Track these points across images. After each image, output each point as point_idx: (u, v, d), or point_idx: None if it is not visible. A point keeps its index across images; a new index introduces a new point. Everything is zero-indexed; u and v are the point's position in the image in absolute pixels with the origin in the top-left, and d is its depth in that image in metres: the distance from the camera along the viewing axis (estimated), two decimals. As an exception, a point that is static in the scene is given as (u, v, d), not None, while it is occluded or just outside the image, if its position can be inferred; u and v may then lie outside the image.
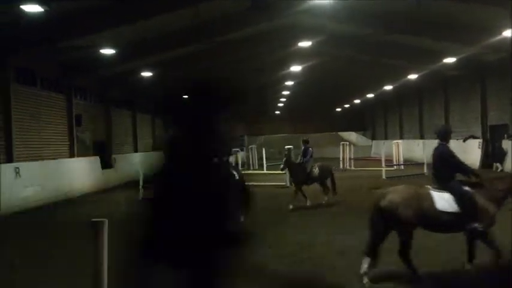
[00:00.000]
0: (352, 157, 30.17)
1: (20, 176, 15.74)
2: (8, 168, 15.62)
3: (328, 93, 43.59)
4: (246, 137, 55.11)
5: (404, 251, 5.99)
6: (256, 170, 27.80)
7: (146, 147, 34.23)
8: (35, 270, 7.70)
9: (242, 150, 30.51)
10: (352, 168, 28.61)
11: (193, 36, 20.35)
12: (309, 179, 13.43)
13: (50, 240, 10.24)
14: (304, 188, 13.54)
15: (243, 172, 22.20)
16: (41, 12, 13.03)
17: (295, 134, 58.45)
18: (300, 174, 13.37)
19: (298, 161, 14.06)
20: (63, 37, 16.75)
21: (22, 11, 12.92)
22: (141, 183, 17.14)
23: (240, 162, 22.36)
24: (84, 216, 13.08)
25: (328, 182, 13.71)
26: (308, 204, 13.02)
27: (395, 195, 6.08)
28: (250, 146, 34.53)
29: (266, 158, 27.45)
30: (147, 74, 24.52)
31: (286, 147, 20.57)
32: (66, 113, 21.40)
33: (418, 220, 6.00)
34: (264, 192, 16.64)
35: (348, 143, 31.49)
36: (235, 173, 10.51)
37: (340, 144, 31.32)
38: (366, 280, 5.89)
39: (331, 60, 29.42)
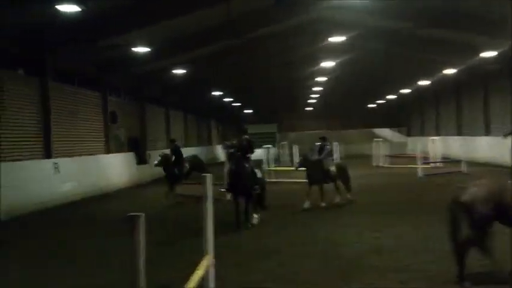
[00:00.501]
0: (386, 154, 29.62)
1: (58, 171, 16.22)
2: (48, 163, 16.12)
3: (361, 88, 42.92)
4: (277, 134, 55.05)
5: (482, 245, 5.69)
6: (286, 166, 27.66)
7: (178, 143, 34.56)
8: (68, 263, 7.91)
9: (273, 147, 30.41)
10: (386, 165, 28.10)
11: (224, 33, 20.42)
12: (326, 177, 12.94)
13: (87, 233, 10.51)
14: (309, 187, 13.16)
15: (273, 169, 22.23)
16: (77, 12, 13.33)
17: (327, 131, 57.95)
18: (316, 173, 12.78)
19: (314, 159, 13.38)
20: (99, 36, 17.11)
21: (59, 12, 13.25)
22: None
23: (270, 159, 22.25)
24: (119, 211, 13.36)
25: (343, 181, 13.32)
26: (306, 206, 12.36)
27: (476, 189, 5.83)
28: (281, 143, 34.44)
29: (297, 155, 27.25)
30: (179, 71, 24.77)
31: (317, 143, 20.38)
32: (101, 110, 21.87)
33: (498, 215, 5.72)
34: (293, 189, 16.58)
35: (381, 139, 30.94)
36: (257, 170, 10.66)
37: (373, 141, 30.84)
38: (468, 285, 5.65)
39: (365, 55, 28.94)
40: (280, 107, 51.62)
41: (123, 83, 24.60)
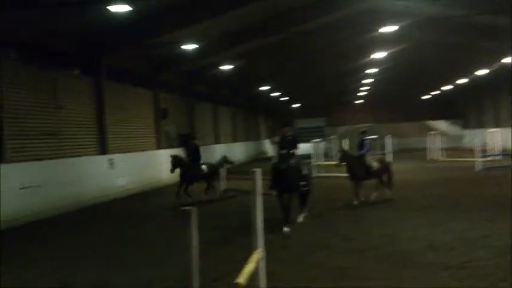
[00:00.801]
0: (441, 147, 28.61)
1: (113, 167, 16.82)
2: (103, 159, 16.74)
3: (414, 80, 41.60)
4: (325, 128, 54.41)
5: None
6: (336, 161, 27.31)
7: (227, 138, 35.01)
8: (124, 254, 8.17)
9: (322, 141, 30.08)
10: (441, 159, 27.15)
11: (272, 26, 20.34)
12: (368, 173, 12.51)
13: (141, 226, 10.82)
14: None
15: (322, 163, 21.98)
16: (128, 12, 13.70)
17: (378, 124, 56.71)
18: (358, 169, 12.40)
19: (355, 154, 13.05)
20: (150, 35, 17.52)
21: (111, 12, 13.68)
22: (223, 173, 17.52)
23: (319, 154, 22.03)
24: (171, 205, 13.67)
25: (386, 177, 12.85)
26: (356, 202, 12.06)
27: None
28: (330, 137, 34.03)
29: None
30: (227, 66, 24.98)
31: (369, 137, 19.97)
32: (153, 107, 22.42)
33: None
34: (342, 184, 16.33)
35: (436, 132, 29.91)
36: (302, 167, 10.28)
37: (427, 134, 29.91)
38: None
39: (418, 45, 28.04)
40: (329, 101, 50.96)
41: (174, 80, 25.09)
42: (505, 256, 5.96)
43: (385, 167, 12.94)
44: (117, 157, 17.39)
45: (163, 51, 20.37)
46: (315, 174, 19.60)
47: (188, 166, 14.22)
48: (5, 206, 11.39)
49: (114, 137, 18.41)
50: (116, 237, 9.80)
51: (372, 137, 19.83)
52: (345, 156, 12.62)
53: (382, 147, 27.76)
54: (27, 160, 13.23)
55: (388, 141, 27.63)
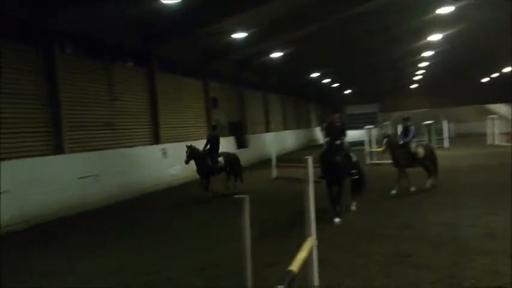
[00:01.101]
0: (502, 132, 27.21)
1: (166, 156, 17.20)
2: (156, 149, 17.16)
3: (472, 62, 39.64)
4: (379, 114, 53.10)
5: None
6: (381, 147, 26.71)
7: (277, 126, 34.95)
8: (181, 240, 8.33)
9: (375, 127, 29.38)
10: (503, 144, 25.81)
11: (322, 11, 19.94)
12: (413, 160, 12.00)
13: (194, 213, 11.02)
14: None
15: (375, 150, 21.42)
16: (179, 3, 13.85)
17: (434, 109, 54.63)
18: (402, 157, 11.90)
19: (399, 141, 12.44)
20: (199, 25, 17.66)
21: (162, 3, 13.88)
22: (273, 162, 17.52)
23: (372, 140, 21.50)
24: (224, 193, 13.82)
25: (431, 164, 12.25)
26: (394, 192, 11.56)
27: None
28: (383, 123, 33.17)
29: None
30: (277, 54, 24.82)
31: (424, 123, 19.32)
32: (203, 96, 22.70)
33: None
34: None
35: (495, 116, 28.46)
36: (352, 154, 9.88)
37: (487, 118, 28.52)
38: None
39: (476, 26, 26.61)
40: (382, 86, 49.65)
41: (223, 69, 25.26)
42: None
43: (430, 154, 12.41)
44: (169, 146, 17.76)
45: (213, 40, 20.50)
46: (367, 161, 19.19)
47: (204, 158, 13.28)
48: (64, 195, 11.93)
49: (167, 127, 18.80)
50: (168, 225, 10.03)
51: (427, 122, 19.16)
52: (389, 142, 12.19)
53: (439, 132, 26.75)
54: (85, 151, 13.76)
55: (445, 127, 26.57)
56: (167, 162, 17.15)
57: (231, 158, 14.05)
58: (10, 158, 11.17)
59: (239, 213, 2.55)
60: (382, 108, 53.82)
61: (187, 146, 13.29)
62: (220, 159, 13.54)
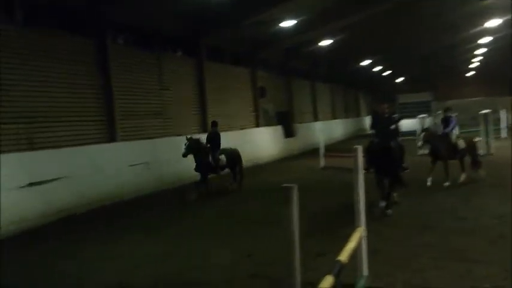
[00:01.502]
0: None
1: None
2: (204, 137, 17.35)
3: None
4: (432, 103, 51.30)
5: None
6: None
7: (325, 115, 34.55)
8: (226, 228, 8.44)
9: (428, 117, 28.45)
10: None
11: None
12: (455, 152, 11.39)
13: (243, 202, 11.12)
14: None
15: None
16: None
17: (491, 98, 52.03)
18: (443, 148, 11.28)
19: (439, 132, 11.95)
20: (248, 14, 17.64)
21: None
22: (321, 151, 17.37)
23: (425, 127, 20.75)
24: (272, 182, 13.85)
25: (472, 157, 11.67)
26: (447, 184, 10.98)
27: None
28: (437, 112, 32.02)
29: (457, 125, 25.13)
30: (326, 42, 24.45)
31: (481, 112, 18.52)
32: (251, 85, 22.75)
33: None
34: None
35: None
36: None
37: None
38: None
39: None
40: (435, 74, 47.93)
41: (271, 58, 25.18)
42: None
43: (471, 146, 11.82)
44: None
45: (261, 29, 20.44)
46: (420, 152, 18.63)
47: (205, 154, 12.24)
48: (116, 181, 12.33)
49: (214, 116, 18.99)
50: (215, 212, 10.17)
51: (484, 111, 18.34)
52: (428, 135, 11.59)
53: (496, 122, 25.54)
54: (136, 139, 14.16)
55: (503, 116, 25.36)
56: (215, 151, 17.31)
57: (232, 155, 13.01)
58: (68, 146, 11.69)
59: (287, 202, 2.53)
60: (436, 96, 52.01)
61: (187, 138, 12.09)
62: (222, 156, 12.55)
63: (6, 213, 9.11)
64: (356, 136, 36.16)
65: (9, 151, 10.11)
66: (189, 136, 12.30)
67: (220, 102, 19.79)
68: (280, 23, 18.73)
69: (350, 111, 43.04)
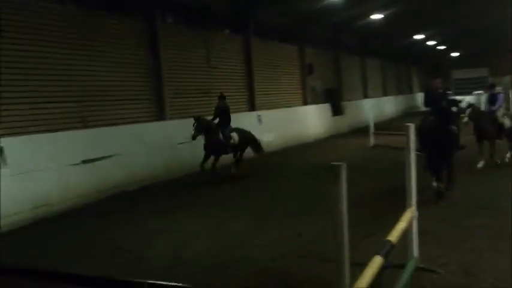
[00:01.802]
0: None
1: (261, 123, 17.38)
2: (252, 116, 17.39)
3: None
4: (489, 78, 48.70)
5: None
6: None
7: (376, 93, 33.65)
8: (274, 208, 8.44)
9: (485, 93, 27.10)
10: None
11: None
12: (500, 131, 10.69)
13: (290, 179, 11.08)
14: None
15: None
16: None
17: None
18: (489, 127, 10.62)
19: (485, 110, 11.32)
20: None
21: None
22: (371, 129, 16.98)
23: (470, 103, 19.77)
24: (318, 160, 13.71)
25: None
26: (480, 165, 10.47)
27: None
28: (495, 88, 30.48)
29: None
30: (377, 16, 23.61)
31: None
32: (299, 62, 22.42)
33: None
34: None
35: None
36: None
37: None
38: None
39: None
40: (492, 48, 45.39)
41: (319, 34, 24.65)
42: None
43: None
44: (265, 113, 17.91)
45: (309, 4, 19.98)
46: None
47: (215, 132, 11.38)
48: (163, 159, 12.56)
49: (262, 94, 18.92)
50: (263, 190, 10.19)
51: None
52: (473, 112, 10.92)
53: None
54: (184, 117, 14.32)
55: None
56: (262, 129, 17.30)
57: (245, 135, 12.13)
58: (118, 124, 12.01)
59: (335, 181, 2.43)
60: (492, 72, 49.42)
61: (194, 118, 11.24)
62: (234, 134, 11.66)
63: (61, 189, 9.52)
64: (408, 114, 35.08)
65: (63, 129, 10.50)
66: (196, 116, 11.47)
67: (268, 79, 19.65)
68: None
69: (402, 87, 41.70)
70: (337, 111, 24.34)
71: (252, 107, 18.04)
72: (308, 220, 7.20)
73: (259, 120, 17.47)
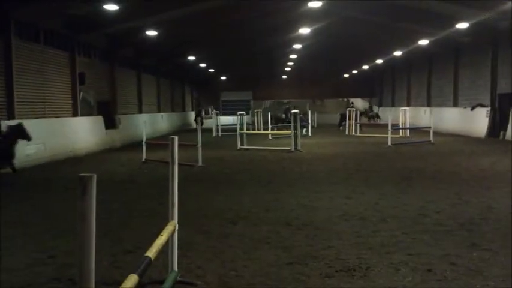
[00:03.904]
0: (358, 123, 29.96)
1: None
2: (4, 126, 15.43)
3: (336, 57, 42.76)
4: (251, 102, 54.65)
5: None
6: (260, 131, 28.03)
7: (151, 108, 34.02)
8: (16, 228, 7.62)
9: (247, 114, 30.25)
10: (358, 134, 28.41)
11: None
12: None
13: (49, 195, 10.17)
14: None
15: (247, 132, 21.97)
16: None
17: (303, 99, 57.79)
18: None
19: None
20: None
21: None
22: (144, 144, 17.01)
23: (244, 123, 22.08)
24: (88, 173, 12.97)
25: None
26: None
27: None
28: (256, 110, 34.24)
29: (271, 123, 27.41)
30: (152, 32, 23.98)
31: (293, 111, 20.33)
32: (69, 70, 21.06)
33: None
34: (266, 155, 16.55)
35: (353, 109, 31.21)
36: None
37: (346, 111, 31.24)
38: None
39: (341, 23, 28.61)
40: (256, 75, 51.13)
41: (94, 42, 23.69)
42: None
43: None
44: (26, 123, 16.08)
45: (83, 10, 19.05)
46: (238, 146, 19.62)
47: None
48: None
49: (24, 102, 17.13)
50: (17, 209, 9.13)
51: (294, 111, 20.24)
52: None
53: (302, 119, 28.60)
54: None
55: (310, 116, 28.59)
56: (22, 141, 15.52)
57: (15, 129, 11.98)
58: None
59: (83, 193, 2.31)
60: (255, 95, 55.61)
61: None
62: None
63: None
64: (182, 130, 36.43)
65: None
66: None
67: (32, 86, 17.89)
68: (104, 5, 17.70)
69: (176, 105, 43.18)
70: (110, 124, 23.65)
71: (10, 115, 16.08)
72: (61, 240, 6.63)
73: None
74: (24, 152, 15.42)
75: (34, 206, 9.27)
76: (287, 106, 30.75)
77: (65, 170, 14.71)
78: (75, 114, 21.01)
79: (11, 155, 11.67)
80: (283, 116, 32.61)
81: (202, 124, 16.99)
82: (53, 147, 17.20)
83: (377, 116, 38.28)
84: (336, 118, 35.92)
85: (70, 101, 21.00)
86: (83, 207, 2.30)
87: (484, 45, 25.83)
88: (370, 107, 35.49)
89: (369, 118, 35.19)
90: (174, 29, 25.36)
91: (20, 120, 12.36)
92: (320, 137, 26.73)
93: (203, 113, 44.08)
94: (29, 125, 15.99)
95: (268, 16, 27.44)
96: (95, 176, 2.38)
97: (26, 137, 12.35)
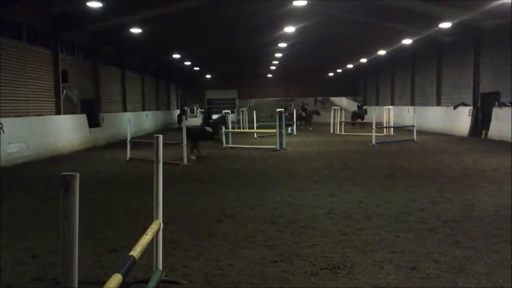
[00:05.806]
0: (343, 121, 30.13)
1: (3, 131, 15.34)
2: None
3: (321, 56, 42.93)
4: (237, 100, 54.56)
5: None
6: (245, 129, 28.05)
7: (135, 106, 33.77)
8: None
9: (232, 112, 30.22)
10: (343, 133, 28.57)
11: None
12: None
13: (23, 195, 10.03)
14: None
15: (235, 131, 21.96)
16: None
17: (287, 98, 57.97)
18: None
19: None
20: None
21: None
22: (128, 143, 16.89)
23: (230, 123, 22.09)
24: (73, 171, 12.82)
25: None
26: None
27: None
28: (241, 109, 34.23)
29: (257, 121, 27.44)
30: (137, 30, 23.79)
31: (277, 110, 20.34)
32: (52, 68, 20.78)
33: None
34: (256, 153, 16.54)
35: (338, 108, 31.37)
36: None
37: (331, 109, 31.37)
38: None
39: (326, 22, 28.72)
40: (241, 73, 51.14)
41: (78, 39, 23.41)
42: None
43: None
44: (8, 121, 15.87)
45: (67, 6, 18.80)
46: (224, 144, 19.60)
47: None
48: None
49: (7, 99, 16.86)
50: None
51: (279, 109, 20.24)
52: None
53: (288, 118, 28.66)
54: None
55: (294, 115, 28.68)
56: (5, 139, 15.31)
57: None
58: None
59: (66, 192, 2.29)
60: (241, 94, 55.58)
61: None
62: None
63: None
64: (166, 129, 36.23)
65: None
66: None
67: (14, 84, 17.61)
68: (87, 2, 17.49)
69: (161, 103, 42.94)
70: (94, 122, 23.40)
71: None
72: (44, 239, 6.55)
73: (1, 128, 15.38)
74: (7, 150, 15.21)
75: (16, 205, 9.13)
76: (305, 103, 36.56)
77: (48, 169, 14.51)
78: (58, 113, 20.73)
79: None
80: (303, 113, 34.04)
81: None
82: (36, 146, 16.97)
83: (316, 113, 36.15)
84: (322, 118, 36.13)
85: (53, 99, 20.72)
86: (66, 206, 2.28)
87: (467, 45, 26.19)
88: (360, 106, 35.90)
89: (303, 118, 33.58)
90: (158, 26, 25.19)
91: None
92: (305, 136, 26.85)
93: (188, 111, 43.91)
94: (9, 123, 15.86)
95: (253, 15, 27.42)
96: (77, 175, 2.36)
97: None
